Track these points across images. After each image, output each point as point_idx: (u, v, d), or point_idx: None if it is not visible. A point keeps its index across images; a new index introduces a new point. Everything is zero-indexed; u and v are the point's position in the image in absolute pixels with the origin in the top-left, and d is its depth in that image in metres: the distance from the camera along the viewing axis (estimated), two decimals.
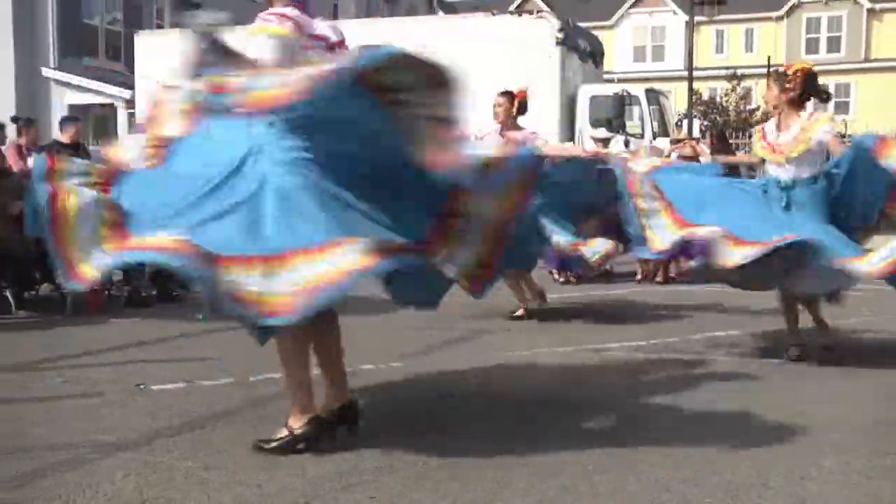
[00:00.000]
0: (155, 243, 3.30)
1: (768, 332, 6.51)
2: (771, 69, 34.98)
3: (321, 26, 3.96)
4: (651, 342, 6.31)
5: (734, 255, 5.10)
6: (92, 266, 3.36)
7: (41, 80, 23.33)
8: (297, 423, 3.59)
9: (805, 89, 5.67)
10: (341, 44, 3.96)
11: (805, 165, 5.51)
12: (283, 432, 3.59)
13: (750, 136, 21.19)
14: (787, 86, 5.63)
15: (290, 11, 3.82)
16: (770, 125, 5.84)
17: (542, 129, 13.76)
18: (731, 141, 14.70)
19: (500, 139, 6.94)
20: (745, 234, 5.22)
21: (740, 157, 8.96)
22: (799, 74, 5.69)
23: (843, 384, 5.01)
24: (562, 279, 10.94)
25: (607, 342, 6.24)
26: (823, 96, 5.80)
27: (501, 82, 8.08)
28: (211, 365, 5.28)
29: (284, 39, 3.76)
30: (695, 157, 11.29)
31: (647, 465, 3.45)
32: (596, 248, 7.35)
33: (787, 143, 5.53)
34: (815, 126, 5.54)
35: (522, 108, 7.28)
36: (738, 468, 3.42)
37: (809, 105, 5.86)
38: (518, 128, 7.19)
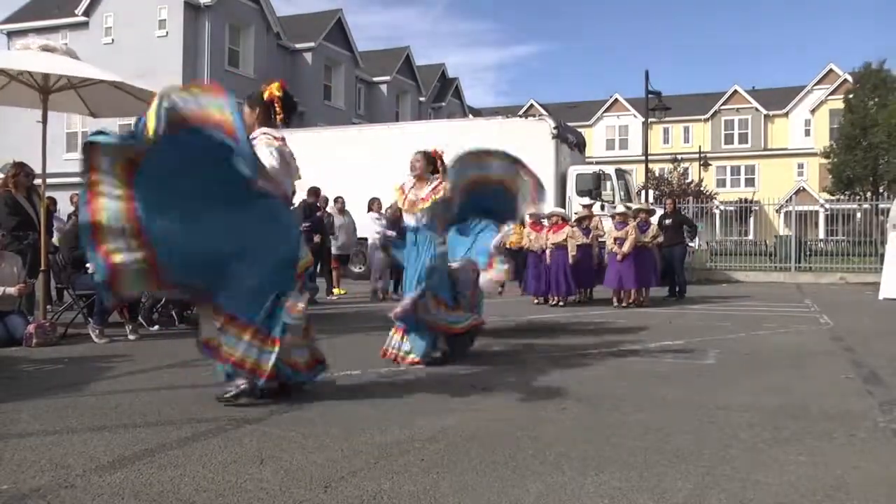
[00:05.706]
0: None
1: (705, 341, 6.40)
2: (701, 155, 34.58)
3: None
4: (619, 349, 6.21)
5: None
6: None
7: None
8: None
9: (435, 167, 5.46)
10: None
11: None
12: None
13: (687, 202, 21.00)
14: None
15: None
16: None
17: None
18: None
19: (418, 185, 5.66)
20: None
21: None
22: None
23: (750, 380, 4.89)
24: (536, 301, 10.71)
25: (588, 349, 6.15)
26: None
27: None
28: None
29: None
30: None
31: (626, 427, 3.36)
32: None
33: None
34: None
35: (436, 165, 5.81)
36: (680, 438, 3.33)
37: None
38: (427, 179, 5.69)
